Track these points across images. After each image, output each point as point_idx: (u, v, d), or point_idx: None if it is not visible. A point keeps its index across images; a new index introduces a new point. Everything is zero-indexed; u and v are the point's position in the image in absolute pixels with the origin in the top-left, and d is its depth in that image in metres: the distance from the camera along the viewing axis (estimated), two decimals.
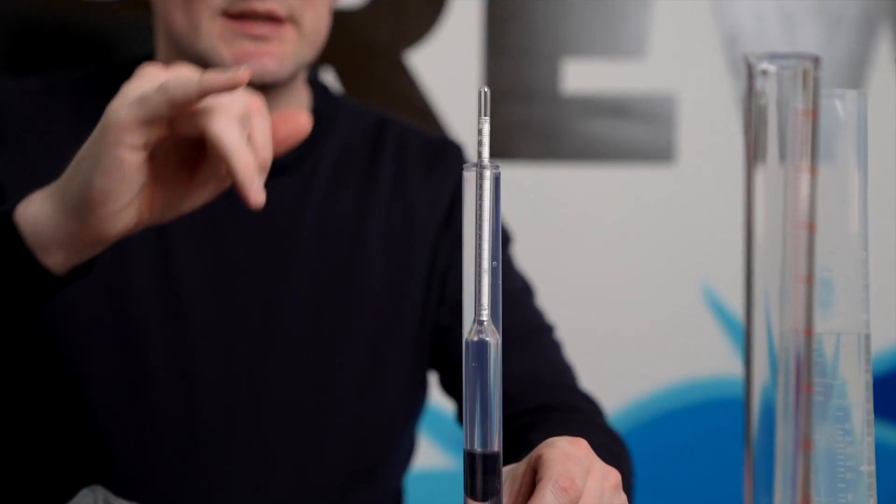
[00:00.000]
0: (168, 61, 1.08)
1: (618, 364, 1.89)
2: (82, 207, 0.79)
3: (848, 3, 1.91)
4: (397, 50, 1.92)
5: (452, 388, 1.14)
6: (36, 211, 0.81)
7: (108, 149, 0.76)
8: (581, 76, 1.91)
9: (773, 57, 0.46)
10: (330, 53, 1.99)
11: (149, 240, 1.06)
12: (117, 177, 0.77)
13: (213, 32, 1.03)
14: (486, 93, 0.63)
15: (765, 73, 0.47)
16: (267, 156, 0.78)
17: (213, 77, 0.75)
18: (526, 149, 1.91)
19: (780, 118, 0.48)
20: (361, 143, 1.15)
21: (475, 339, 0.63)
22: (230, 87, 0.75)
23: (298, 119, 0.82)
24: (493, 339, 0.64)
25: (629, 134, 1.91)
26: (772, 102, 0.48)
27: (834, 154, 0.66)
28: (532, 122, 1.91)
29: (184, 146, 0.80)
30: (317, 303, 1.09)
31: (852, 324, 0.67)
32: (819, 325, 0.66)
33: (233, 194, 1.08)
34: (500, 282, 0.64)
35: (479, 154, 0.64)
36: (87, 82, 1.12)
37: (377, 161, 1.14)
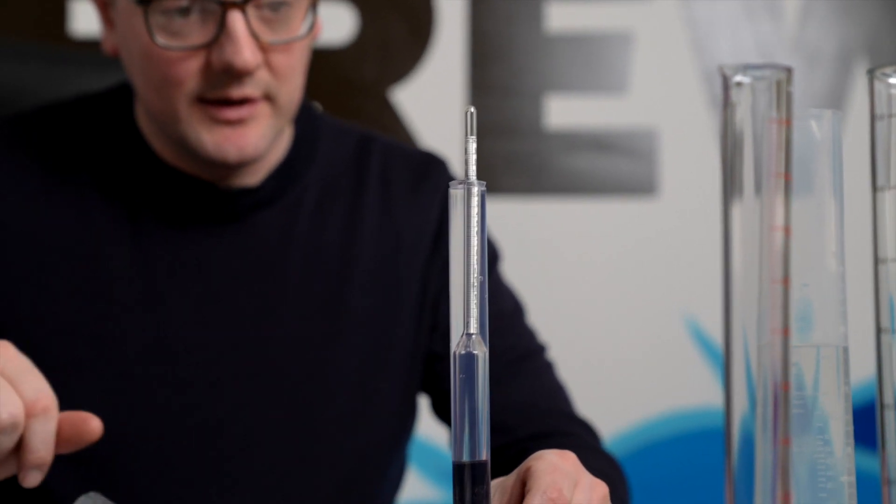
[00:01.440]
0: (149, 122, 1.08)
1: (602, 396, 1.90)
2: None
3: (826, 39, 1.94)
4: (383, 87, 1.94)
5: (445, 413, 1.13)
6: None
7: None
8: (564, 112, 1.93)
9: (746, 68, 0.48)
10: (316, 90, 2.01)
11: (135, 279, 1.06)
12: None
13: (192, 119, 1.01)
14: (472, 113, 0.65)
15: (739, 84, 0.49)
16: (42, 457, 0.78)
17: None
18: (510, 184, 1.93)
19: (755, 129, 0.50)
20: (346, 166, 1.14)
21: (463, 351, 0.65)
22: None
23: (89, 424, 0.80)
24: (481, 351, 0.65)
25: (612, 168, 1.93)
26: (746, 114, 0.50)
27: (810, 172, 0.68)
28: (516, 157, 1.93)
29: None
30: (306, 337, 1.08)
31: (831, 336, 0.68)
32: (798, 339, 0.67)
33: (221, 232, 1.09)
34: (487, 295, 0.65)
35: (466, 172, 0.65)
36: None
37: (363, 185, 1.13)
